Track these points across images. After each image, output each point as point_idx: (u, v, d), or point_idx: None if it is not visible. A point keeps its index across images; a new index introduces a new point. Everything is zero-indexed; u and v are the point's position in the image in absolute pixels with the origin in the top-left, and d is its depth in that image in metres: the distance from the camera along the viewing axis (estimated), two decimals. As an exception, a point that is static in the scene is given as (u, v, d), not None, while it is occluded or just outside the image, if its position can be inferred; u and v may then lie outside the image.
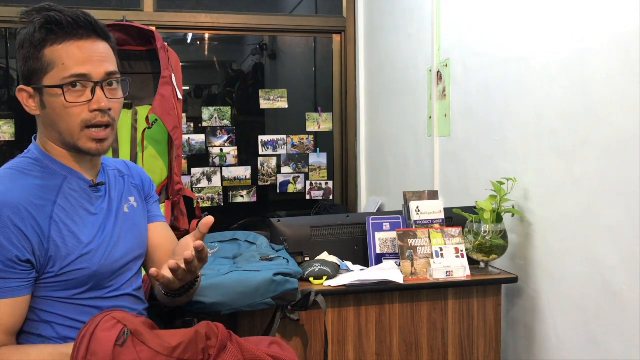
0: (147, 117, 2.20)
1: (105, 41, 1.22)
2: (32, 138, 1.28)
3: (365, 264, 1.94)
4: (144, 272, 1.42)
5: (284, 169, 3.69)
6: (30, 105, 1.21)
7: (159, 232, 1.44)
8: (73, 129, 1.19)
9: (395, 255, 1.92)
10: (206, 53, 3.90)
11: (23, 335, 1.18)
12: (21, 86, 1.21)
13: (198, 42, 3.86)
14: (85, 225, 1.22)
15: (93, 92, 1.18)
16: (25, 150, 1.27)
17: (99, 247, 1.23)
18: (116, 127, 1.26)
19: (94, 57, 1.18)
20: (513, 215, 1.93)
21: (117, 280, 1.27)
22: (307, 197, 3.71)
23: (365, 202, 3.56)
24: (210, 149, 3.57)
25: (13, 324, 1.14)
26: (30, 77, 1.19)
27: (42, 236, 1.15)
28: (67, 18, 1.16)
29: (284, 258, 1.74)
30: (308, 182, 3.71)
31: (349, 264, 1.91)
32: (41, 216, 1.15)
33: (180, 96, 2.33)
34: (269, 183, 3.67)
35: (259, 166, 3.65)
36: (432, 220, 1.93)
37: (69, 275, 1.18)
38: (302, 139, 3.70)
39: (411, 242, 1.83)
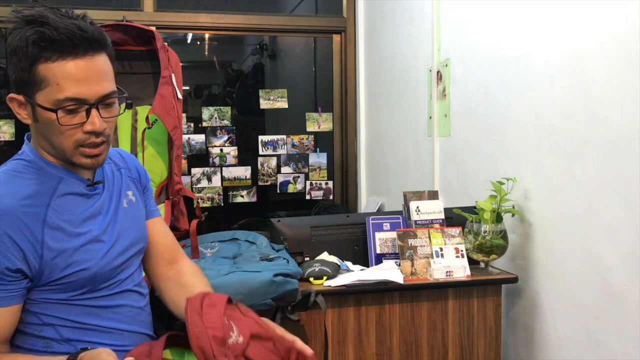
0: (147, 117, 2.20)
1: (103, 51, 1.15)
2: (25, 137, 1.25)
3: (365, 264, 1.94)
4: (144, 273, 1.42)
5: (284, 169, 3.69)
6: (21, 113, 1.16)
7: (157, 229, 1.43)
8: (66, 147, 1.16)
9: (395, 255, 1.92)
10: (206, 53, 3.90)
11: (28, 337, 1.18)
12: (12, 94, 1.15)
13: (198, 42, 3.87)
14: (82, 226, 1.21)
15: (88, 113, 1.13)
16: (19, 152, 1.24)
17: (97, 247, 1.22)
18: (111, 140, 1.23)
19: (91, 76, 1.12)
20: (513, 215, 1.93)
21: (118, 277, 1.26)
22: (307, 197, 3.71)
23: (365, 202, 3.56)
24: (210, 149, 3.57)
25: (1, 332, 1.13)
26: (22, 87, 1.13)
27: (35, 243, 1.13)
28: (62, 35, 1.09)
29: (284, 258, 1.74)
30: (308, 182, 3.71)
31: (349, 264, 1.91)
32: (34, 222, 1.13)
33: (180, 96, 2.33)
34: (269, 183, 3.67)
35: (259, 166, 3.65)
36: (432, 220, 1.93)
37: (69, 278, 1.17)
38: (302, 139, 3.70)
39: (411, 242, 1.83)
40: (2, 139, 3.23)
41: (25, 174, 1.18)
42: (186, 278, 1.38)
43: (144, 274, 1.40)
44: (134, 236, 1.32)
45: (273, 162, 3.67)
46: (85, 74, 1.11)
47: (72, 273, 1.17)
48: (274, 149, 3.67)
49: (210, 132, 3.56)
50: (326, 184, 3.72)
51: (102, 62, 1.15)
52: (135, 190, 1.38)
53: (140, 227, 1.36)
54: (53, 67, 1.10)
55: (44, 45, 1.09)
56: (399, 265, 1.83)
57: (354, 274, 1.79)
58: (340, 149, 3.74)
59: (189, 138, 3.51)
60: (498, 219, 1.86)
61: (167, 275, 1.41)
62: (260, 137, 3.65)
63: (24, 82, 1.12)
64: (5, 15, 3.04)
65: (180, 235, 2.24)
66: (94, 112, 1.14)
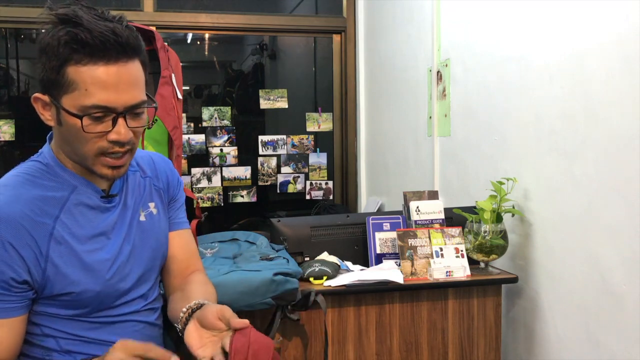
0: (147, 117, 2.20)
1: (136, 58, 1.10)
2: (47, 137, 1.21)
3: (365, 264, 1.94)
4: None
5: (284, 169, 3.69)
6: (45, 114, 1.12)
7: (176, 243, 1.35)
8: (88, 154, 1.11)
9: (395, 255, 1.92)
10: (206, 53, 3.90)
11: (27, 345, 1.16)
12: (37, 94, 1.11)
13: (198, 42, 3.87)
14: (90, 243, 1.16)
15: (114, 122, 1.09)
16: (39, 151, 1.21)
17: (104, 267, 1.17)
18: (136, 149, 1.17)
19: (121, 84, 1.07)
20: (513, 215, 1.93)
21: (128, 295, 1.22)
22: (307, 197, 3.71)
23: (365, 202, 3.56)
24: (210, 149, 3.57)
25: (13, 343, 1.11)
26: (48, 88, 1.09)
27: (38, 255, 1.09)
28: (95, 39, 1.04)
29: (284, 258, 1.74)
30: (308, 182, 3.71)
31: (349, 264, 1.91)
32: (40, 234, 1.10)
33: (180, 96, 2.33)
34: (269, 183, 3.67)
35: (259, 166, 3.65)
36: (432, 220, 1.93)
37: (70, 296, 1.13)
38: (302, 139, 3.70)
39: (411, 242, 1.83)
40: (2, 139, 3.23)
41: (39, 179, 1.15)
42: (189, 286, 1.31)
43: (158, 292, 1.35)
44: (148, 253, 1.26)
45: (273, 162, 3.67)
46: (116, 81, 1.06)
47: (74, 292, 1.13)
48: (274, 149, 3.67)
49: (210, 132, 3.57)
50: (326, 184, 3.72)
51: (134, 70, 1.09)
52: (159, 202, 1.32)
53: (158, 241, 1.29)
54: (83, 71, 1.05)
55: (76, 47, 1.04)
56: (399, 265, 1.83)
57: (354, 274, 1.79)
58: (340, 149, 3.75)
59: (189, 138, 3.51)
60: (498, 219, 1.86)
61: (176, 286, 1.35)
62: (260, 137, 3.66)
63: (51, 83, 1.08)
64: (5, 15, 3.05)
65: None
66: (120, 121, 1.09)
